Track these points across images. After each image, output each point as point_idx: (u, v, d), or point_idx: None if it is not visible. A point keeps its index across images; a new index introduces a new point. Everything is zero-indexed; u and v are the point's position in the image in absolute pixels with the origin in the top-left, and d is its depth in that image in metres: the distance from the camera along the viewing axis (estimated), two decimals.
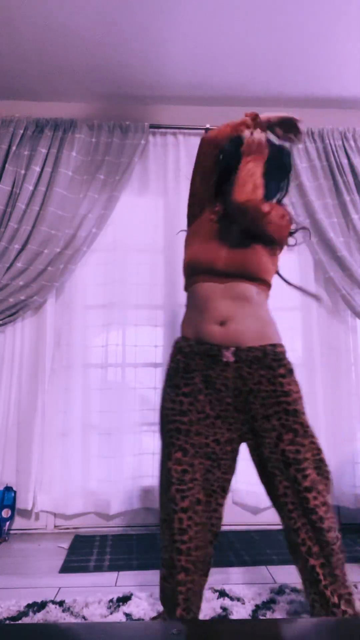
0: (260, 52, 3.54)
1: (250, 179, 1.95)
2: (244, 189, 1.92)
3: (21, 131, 3.79)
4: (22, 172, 3.74)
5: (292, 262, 3.93)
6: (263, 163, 2.02)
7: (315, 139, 3.93)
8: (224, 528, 3.35)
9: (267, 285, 2.11)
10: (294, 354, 3.78)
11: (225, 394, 1.93)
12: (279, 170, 2.19)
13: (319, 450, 1.95)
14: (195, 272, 2.04)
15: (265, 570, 2.87)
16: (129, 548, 3.20)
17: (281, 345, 1.99)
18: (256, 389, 1.90)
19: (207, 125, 3.92)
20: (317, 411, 3.67)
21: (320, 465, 1.93)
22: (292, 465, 1.86)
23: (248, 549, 3.20)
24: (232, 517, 3.57)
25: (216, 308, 1.94)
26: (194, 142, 3.92)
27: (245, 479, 3.58)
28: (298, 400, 1.93)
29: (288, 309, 3.88)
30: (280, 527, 3.49)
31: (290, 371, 1.95)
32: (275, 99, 4.02)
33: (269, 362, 1.91)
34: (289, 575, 2.79)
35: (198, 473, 1.92)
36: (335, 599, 1.81)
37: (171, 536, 1.88)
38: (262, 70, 3.72)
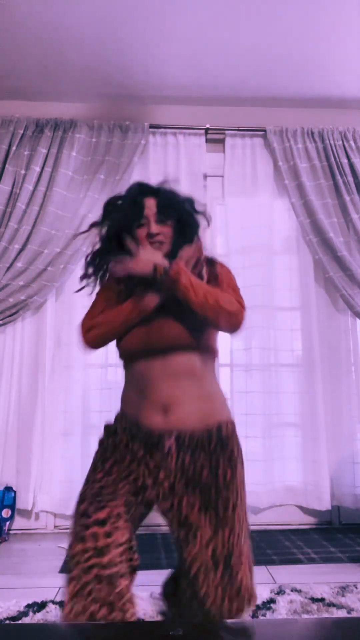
0: (260, 52, 3.54)
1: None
2: (140, 261, 1.70)
3: (21, 131, 3.80)
4: (22, 172, 3.74)
5: (292, 262, 3.94)
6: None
7: (315, 139, 3.93)
8: None
9: (211, 352, 1.84)
10: (294, 354, 3.80)
11: (164, 480, 1.66)
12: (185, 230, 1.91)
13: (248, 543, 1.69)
14: (129, 355, 1.81)
15: (265, 571, 2.86)
16: None
17: (227, 423, 1.74)
18: (197, 479, 1.65)
19: (207, 125, 3.93)
20: (317, 411, 3.67)
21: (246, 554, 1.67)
22: (220, 565, 1.58)
23: None
24: None
25: (157, 392, 1.69)
26: (194, 142, 3.95)
27: (245, 479, 3.60)
28: (239, 493, 1.68)
29: (288, 309, 3.89)
30: (281, 527, 3.49)
31: (233, 457, 1.70)
32: (275, 99, 4.03)
33: (213, 448, 1.68)
34: (289, 575, 2.79)
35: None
36: None
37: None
38: (262, 71, 3.72)
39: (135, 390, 1.77)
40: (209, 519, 1.61)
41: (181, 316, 1.73)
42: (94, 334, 1.80)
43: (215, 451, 1.68)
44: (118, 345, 1.84)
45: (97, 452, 1.77)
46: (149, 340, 1.74)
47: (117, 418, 1.82)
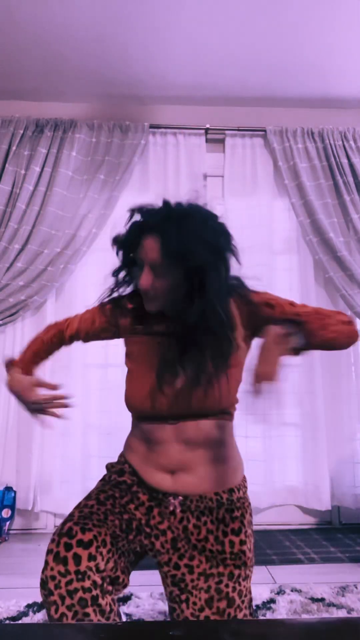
0: (260, 52, 3.54)
1: None
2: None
3: (21, 131, 3.79)
4: (22, 172, 3.74)
5: (292, 262, 3.94)
6: None
7: (315, 139, 3.93)
8: None
9: (232, 411, 1.66)
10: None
11: (167, 531, 1.57)
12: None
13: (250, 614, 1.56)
14: (138, 414, 1.67)
15: (265, 571, 2.87)
16: None
17: (239, 487, 1.63)
18: (200, 547, 1.53)
19: (207, 125, 3.93)
20: (317, 411, 3.68)
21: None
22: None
23: None
24: None
25: (166, 454, 1.57)
26: (194, 142, 3.95)
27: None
28: (247, 564, 1.54)
29: None
30: (281, 527, 3.49)
31: (242, 525, 1.57)
32: (275, 99, 4.03)
33: (222, 514, 1.56)
34: (289, 575, 2.79)
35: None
36: None
37: None
38: (262, 70, 3.71)
39: (144, 446, 1.63)
40: (206, 588, 1.47)
41: (204, 381, 1.52)
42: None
43: (224, 519, 1.56)
44: (126, 398, 1.68)
45: (96, 486, 1.68)
46: (162, 405, 1.56)
47: (120, 461, 1.72)
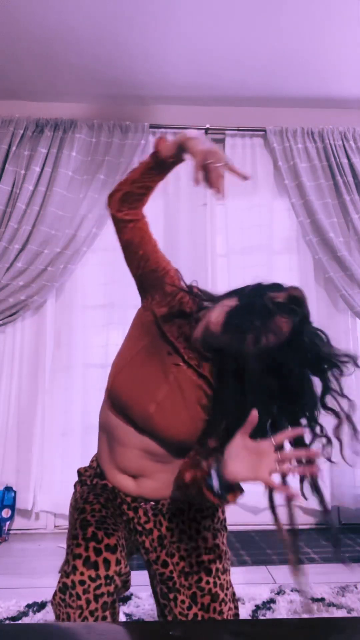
0: (260, 52, 3.54)
1: None
2: None
3: (21, 131, 3.80)
4: (22, 172, 3.75)
5: (292, 262, 3.94)
6: None
7: (315, 138, 3.94)
8: None
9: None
10: None
11: (150, 535, 1.58)
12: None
13: (235, 607, 1.59)
14: (114, 406, 1.59)
15: (265, 570, 2.87)
16: None
17: None
18: (176, 547, 1.56)
19: (207, 125, 3.94)
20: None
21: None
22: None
23: (248, 548, 3.21)
24: (232, 517, 3.54)
25: (127, 457, 1.56)
26: None
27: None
28: (222, 557, 1.58)
29: None
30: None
31: (214, 520, 1.63)
32: (275, 98, 4.04)
33: (192, 515, 1.59)
34: (289, 575, 2.78)
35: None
36: None
37: None
38: (262, 70, 3.72)
39: (106, 441, 1.63)
40: (188, 586, 1.51)
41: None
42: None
43: (195, 518, 1.59)
44: (115, 381, 1.58)
45: (85, 491, 1.62)
46: (148, 410, 1.50)
47: (92, 466, 1.72)
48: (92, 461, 1.74)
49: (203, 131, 3.88)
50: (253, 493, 3.53)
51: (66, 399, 3.71)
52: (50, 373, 3.71)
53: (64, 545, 3.17)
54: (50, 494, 3.59)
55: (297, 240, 3.95)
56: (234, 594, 1.57)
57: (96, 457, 1.71)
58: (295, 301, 1.42)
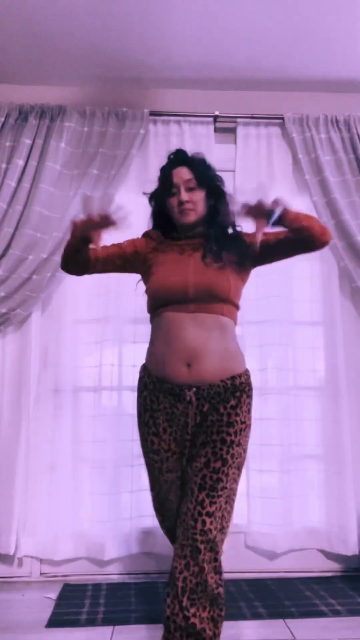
0: (276, 28, 3.59)
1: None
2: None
3: (2, 119, 3.89)
4: (3, 166, 3.83)
5: (314, 270, 4.04)
6: None
7: (340, 127, 4.03)
8: (235, 576, 3.46)
9: (236, 307, 2.49)
10: (316, 376, 3.87)
11: (186, 429, 2.35)
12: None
13: (236, 484, 2.36)
14: (161, 301, 2.42)
15: (283, 624, 2.96)
16: (126, 599, 3.32)
17: (242, 375, 2.38)
18: (207, 421, 2.30)
19: (216, 112, 4.03)
20: (342, 440, 3.78)
21: (230, 495, 2.32)
22: (205, 490, 2.22)
23: (263, 599, 3.30)
24: (245, 564, 3.69)
25: (184, 345, 2.31)
26: (201, 132, 4.05)
27: (259, 520, 3.68)
28: (239, 432, 2.30)
29: (309, 324, 4.00)
30: (301, 575, 3.56)
31: (240, 402, 2.33)
32: (294, 82, 4.13)
33: (227, 396, 2.30)
34: (310, 630, 2.88)
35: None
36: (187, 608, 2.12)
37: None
38: (277, 49, 3.79)
39: (163, 343, 2.38)
40: (204, 453, 2.26)
41: (217, 271, 2.38)
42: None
43: (227, 399, 2.29)
44: (150, 282, 2.47)
45: (139, 403, 2.49)
46: (184, 285, 2.34)
47: (142, 379, 2.49)
48: (140, 370, 2.56)
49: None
50: (269, 535, 3.63)
51: (54, 427, 3.79)
52: (35, 397, 3.81)
53: (52, 596, 3.29)
54: (35, 537, 3.67)
55: None
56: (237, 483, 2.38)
57: (145, 367, 2.52)
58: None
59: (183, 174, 2.47)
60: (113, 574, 3.69)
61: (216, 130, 4.08)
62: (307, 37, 3.69)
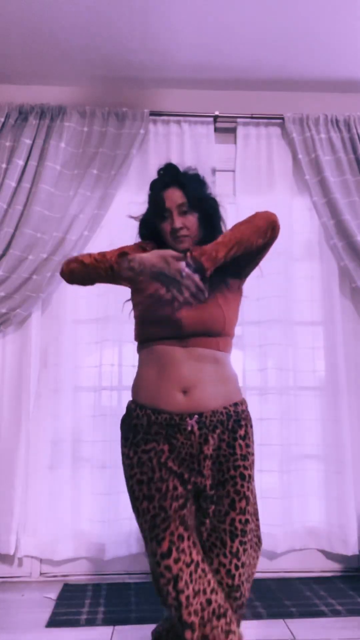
0: (276, 28, 3.61)
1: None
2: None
3: (2, 119, 3.90)
4: (3, 166, 3.84)
5: (314, 270, 4.05)
6: None
7: (340, 127, 4.05)
8: None
9: (232, 337, 2.27)
10: (316, 376, 3.88)
11: (190, 460, 2.05)
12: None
13: (258, 519, 2.18)
14: (153, 335, 2.16)
15: (283, 624, 2.97)
16: (127, 599, 3.33)
17: (242, 402, 2.20)
18: (215, 455, 2.07)
19: (216, 112, 4.04)
20: (342, 441, 3.78)
21: (258, 535, 2.16)
22: (237, 537, 2.00)
23: (263, 599, 3.31)
24: None
25: (179, 374, 2.08)
26: (201, 132, 4.06)
27: (260, 520, 3.67)
28: (252, 465, 2.14)
29: (309, 324, 4.01)
30: (301, 575, 3.55)
31: (247, 432, 2.15)
32: (292, 82, 4.14)
33: (231, 425, 2.11)
34: (310, 630, 2.89)
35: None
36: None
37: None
38: (277, 49, 3.80)
39: (155, 373, 2.13)
40: (226, 493, 2.04)
41: (212, 301, 2.11)
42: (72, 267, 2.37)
43: (233, 428, 2.09)
44: (139, 323, 2.22)
45: (127, 434, 2.13)
46: (176, 323, 2.09)
47: (130, 413, 2.17)
48: (128, 405, 2.21)
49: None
50: (269, 535, 3.62)
51: (54, 427, 3.80)
52: (35, 397, 3.82)
53: (52, 596, 3.29)
54: (36, 537, 3.68)
55: (320, 244, 4.05)
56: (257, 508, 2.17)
57: (134, 401, 2.19)
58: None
59: (176, 197, 2.19)
60: (113, 574, 3.70)
61: (216, 130, 4.09)
62: (307, 37, 3.70)
